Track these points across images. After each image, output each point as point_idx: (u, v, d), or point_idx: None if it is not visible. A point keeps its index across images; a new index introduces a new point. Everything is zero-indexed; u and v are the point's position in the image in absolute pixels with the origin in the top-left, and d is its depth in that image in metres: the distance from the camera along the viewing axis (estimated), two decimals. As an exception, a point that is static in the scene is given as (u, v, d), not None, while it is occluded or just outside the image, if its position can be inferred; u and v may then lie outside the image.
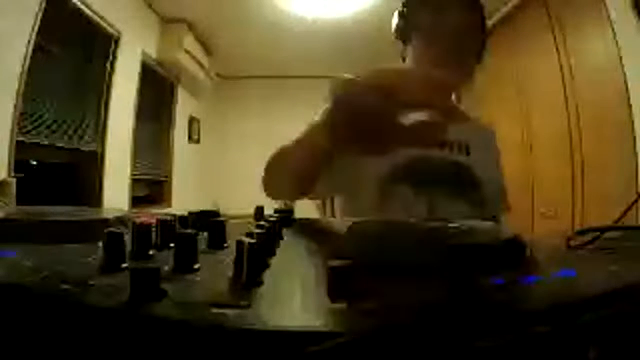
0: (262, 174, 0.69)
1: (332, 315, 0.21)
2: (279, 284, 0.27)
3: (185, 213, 0.47)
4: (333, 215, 0.94)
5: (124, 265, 0.29)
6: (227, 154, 4.91)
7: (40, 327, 0.22)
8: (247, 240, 0.26)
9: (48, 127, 2.20)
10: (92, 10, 2.45)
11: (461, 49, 0.84)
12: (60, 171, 2.47)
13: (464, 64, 0.87)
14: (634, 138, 1.84)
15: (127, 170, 3.00)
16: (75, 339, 0.21)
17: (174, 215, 0.44)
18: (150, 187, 3.61)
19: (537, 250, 0.36)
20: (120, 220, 0.44)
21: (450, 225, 0.42)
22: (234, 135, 4.94)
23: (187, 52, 3.53)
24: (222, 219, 0.40)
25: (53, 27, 2.12)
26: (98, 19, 2.55)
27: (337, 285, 0.23)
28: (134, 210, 2.66)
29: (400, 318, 0.20)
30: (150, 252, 0.33)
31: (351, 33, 3.55)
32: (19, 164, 1.92)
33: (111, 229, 0.30)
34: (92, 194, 2.62)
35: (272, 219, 0.40)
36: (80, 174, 2.61)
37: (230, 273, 0.28)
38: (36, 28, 1.98)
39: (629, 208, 0.45)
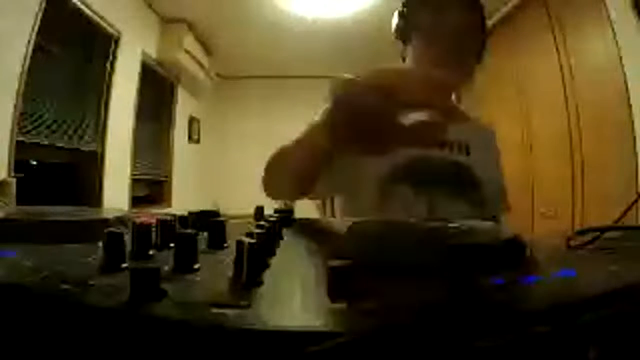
0: (262, 174, 0.69)
1: (332, 315, 0.21)
2: (279, 284, 0.27)
3: (185, 213, 0.47)
4: (333, 215, 0.94)
5: (124, 265, 0.29)
6: (227, 154, 4.91)
7: (40, 327, 0.22)
8: (247, 240, 0.26)
9: (48, 127, 2.20)
10: (92, 10, 2.45)
11: (461, 49, 0.84)
12: (60, 171, 2.47)
13: (464, 64, 0.87)
14: (634, 138, 1.84)
15: (127, 170, 3.00)
16: (75, 339, 0.21)
17: (174, 215, 0.44)
18: (150, 187, 3.61)
19: (537, 250, 0.36)
20: (120, 220, 0.44)
21: (450, 225, 0.42)
22: (234, 135, 4.94)
23: (187, 52, 3.53)
24: (222, 219, 0.40)
25: (53, 27, 2.12)
26: (98, 19, 2.55)
27: (337, 285, 0.23)
28: (134, 210, 2.66)
29: (400, 318, 0.20)
30: (150, 252, 0.33)
31: (351, 33, 3.55)
32: (19, 164, 1.92)
33: (111, 229, 0.30)
34: (92, 194, 2.62)
35: (272, 219, 0.40)
36: (80, 174, 2.61)
37: (230, 273, 0.28)
38: (36, 28, 1.98)
39: (629, 208, 0.45)
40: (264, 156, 0.68)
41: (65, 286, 0.24)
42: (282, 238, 0.42)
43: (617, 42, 1.93)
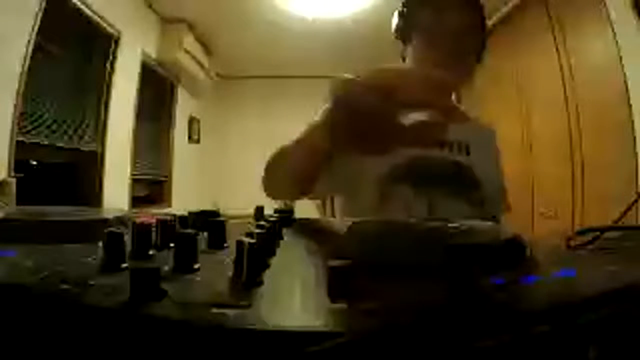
0: (262, 174, 0.69)
1: (332, 315, 0.21)
2: (279, 284, 0.27)
3: (185, 213, 0.47)
4: (333, 216, 0.94)
5: (124, 265, 0.29)
6: (227, 154, 4.91)
7: (40, 327, 0.22)
8: (247, 240, 0.26)
9: (48, 127, 2.20)
10: (92, 10, 2.45)
11: (461, 48, 0.84)
12: (60, 171, 2.46)
13: (464, 63, 0.87)
14: (634, 138, 1.84)
15: (127, 170, 3.00)
16: (75, 339, 0.21)
17: (174, 215, 0.44)
18: (150, 187, 3.61)
19: (537, 250, 0.36)
20: (120, 220, 0.44)
21: (450, 225, 0.42)
22: (234, 135, 4.94)
23: (187, 52, 3.52)
24: (222, 219, 0.40)
25: (53, 27, 2.12)
26: (98, 19, 2.55)
27: (337, 285, 0.23)
28: (134, 210, 2.66)
29: (400, 318, 0.20)
30: (150, 252, 0.33)
31: (351, 33, 3.54)
32: (19, 164, 1.92)
33: (111, 229, 0.30)
34: (92, 194, 2.62)
35: (272, 219, 0.40)
36: (80, 174, 2.61)
37: (230, 273, 0.28)
38: (36, 28, 1.97)
39: (629, 208, 0.45)
40: (264, 156, 0.68)
41: (65, 286, 0.24)
42: (282, 238, 0.42)
43: (617, 42, 1.93)
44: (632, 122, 1.85)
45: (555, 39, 2.39)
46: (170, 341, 0.20)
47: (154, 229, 0.35)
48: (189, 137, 4.29)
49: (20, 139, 1.95)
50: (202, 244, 0.35)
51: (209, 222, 0.39)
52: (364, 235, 0.40)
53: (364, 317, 0.20)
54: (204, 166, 4.64)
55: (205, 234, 0.38)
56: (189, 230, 0.30)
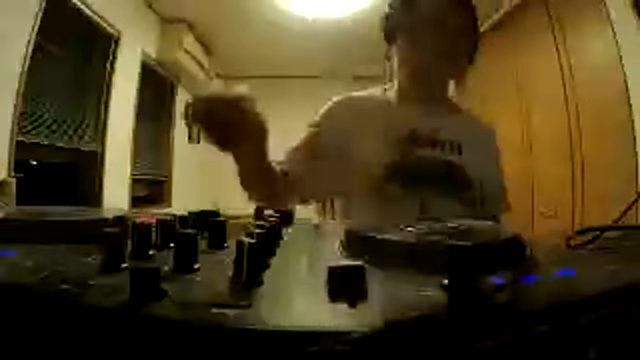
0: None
1: (332, 315, 0.21)
2: (279, 284, 0.27)
3: (185, 213, 0.47)
4: (333, 217, 0.95)
5: (124, 265, 0.29)
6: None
7: (40, 327, 0.22)
8: (247, 240, 0.26)
9: (48, 127, 2.20)
10: (92, 10, 2.45)
11: (445, 49, 0.85)
12: (60, 171, 2.46)
13: (454, 64, 0.88)
14: (634, 138, 1.84)
15: (127, 170, 3.00)
16: (75, 339, 0.21)
17: (174, 215, 0.44)
18: (150, 187, 3.61)
19: (537, 250, 0.36)
20: (120, 220, 0.44)
21: (450, 225, 0.42)
22: (233, 135, 4.93)
23: (187, 52, 3.52)
24: (222, 219, 0.40)
25: (53, 27, 2.12)
26: (98, 19, 2.54)
27: (337, 285, 0.23)
28: (134, 210, 2.66)
29: (400, 318, 0.20)
30: (150, 252, 0.33)
31: (351, 33, 3.54)
32: (19, 164, 1.91)
33: (111, 229, 0.30)
34: (92, 194, 2.61)
35: (272, 219, 0.40)
36: (80, 174, 2.61)
37: (230, 273, 0.28)
38: (36, 28, 1.97)
39: (628, 208, 0.45)
40: (263, 156, 0.68)
41: (65, 286, 0.24)
42: (282, 238, 0.42)
43: (617, 42, 1.93)
44: (632, 122, 1.85)
45: (555, 38, 2.38)
46: (170, 341, 0.20)
47: (154, 229, 0.35)
48: (189, 137, 4.28)
49: (20, 139, 1.95)
50: (202, 244, 0.35)
51: (209, 222, 0.39)
52: (363, 235, 0.40)
53: (364, 317, 0.20)
54: (204, 166, 4.63)
55: (205, 234, 0.38)
56: (189, 230, 0.30)
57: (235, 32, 3.67)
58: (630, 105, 1.87)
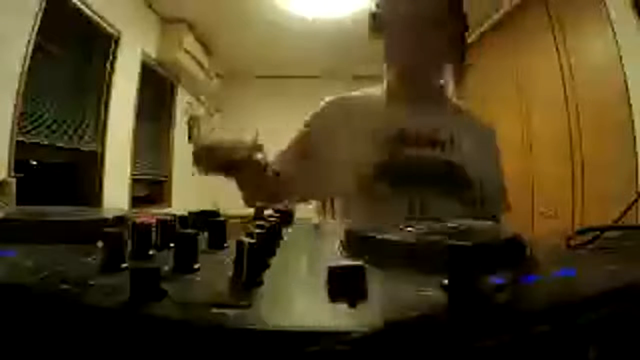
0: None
1: (332, 315, 0.21)
2: (279, 284, 0.27)
3: (185, 213, 0.47)
4: (333, 217, 0.95)
5: (124, 265, 0.29)
6: (227, 154, 4.89)
7: (40, 327, 0.22)
8: (247, 240, 0.26)
9: (48, 127, 2.19)
10: (92, 10, 2.45)
11: (425, 44, 0.85)
12: (60, 171, 2.46)
13: (434, 59, 0.88)
14: (634, 138, 1.84)
15: (127, 170, 3.00)
16: (75, 339, 0.21)
17: (174, 215, 0.44)
18: (150, 187, 3.61)
19: (537, 250, 0.36)
20: (120, 220, 0.44)
21: (450, 225, 0.42)
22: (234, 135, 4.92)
23: (187, 52, 3.52)
24: (222, 219, 0.40)
25: (53, 27, 2.12)
26: (98, 19, 2.54)
27: (337, 285, 0.23)
28: (134, 210, 2.66)
29: (400, 318, 0.20)
30: (150, 252, 0.33)
31: (351, 33, 3.54)
32: (19, 164, 1.91)
33: (110, 229, 0.30)
34: (92, 194, 2.61)
35: (272, 219, 0.40)
36: (80, 174, 2.61)
37: (230, 273, 0.28)
38: (36, 28, 1.97)
39: (628, 208, 0.45)
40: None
41: (65, 286, 0.24)
42: (282, 238, 0.42)
43: (617, 42, 1.93)
44: (632, 122, 1.85)
45: (555, 38, 2.38)
46: (170, 341, 0.20)
47: (154, 229, 0.35)
48: (189, 137, 4.29)
49: (20, 139, 1.95)
50: (202, 244, 0.35)
51: (209, 222, 0.39)
52: (363, 235, 0.40)
53: (364, 317, 0.20)
54: (204, 166, 4.63)
55: (205, 234, 0.38)
56: (189, 230, 0.30)
57: (235, 32, 3.67)
58: (630, 105, 1.87)
